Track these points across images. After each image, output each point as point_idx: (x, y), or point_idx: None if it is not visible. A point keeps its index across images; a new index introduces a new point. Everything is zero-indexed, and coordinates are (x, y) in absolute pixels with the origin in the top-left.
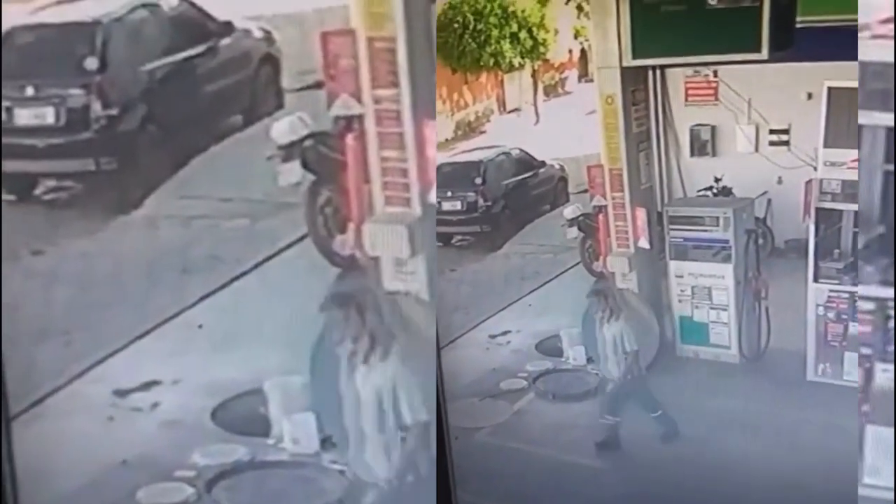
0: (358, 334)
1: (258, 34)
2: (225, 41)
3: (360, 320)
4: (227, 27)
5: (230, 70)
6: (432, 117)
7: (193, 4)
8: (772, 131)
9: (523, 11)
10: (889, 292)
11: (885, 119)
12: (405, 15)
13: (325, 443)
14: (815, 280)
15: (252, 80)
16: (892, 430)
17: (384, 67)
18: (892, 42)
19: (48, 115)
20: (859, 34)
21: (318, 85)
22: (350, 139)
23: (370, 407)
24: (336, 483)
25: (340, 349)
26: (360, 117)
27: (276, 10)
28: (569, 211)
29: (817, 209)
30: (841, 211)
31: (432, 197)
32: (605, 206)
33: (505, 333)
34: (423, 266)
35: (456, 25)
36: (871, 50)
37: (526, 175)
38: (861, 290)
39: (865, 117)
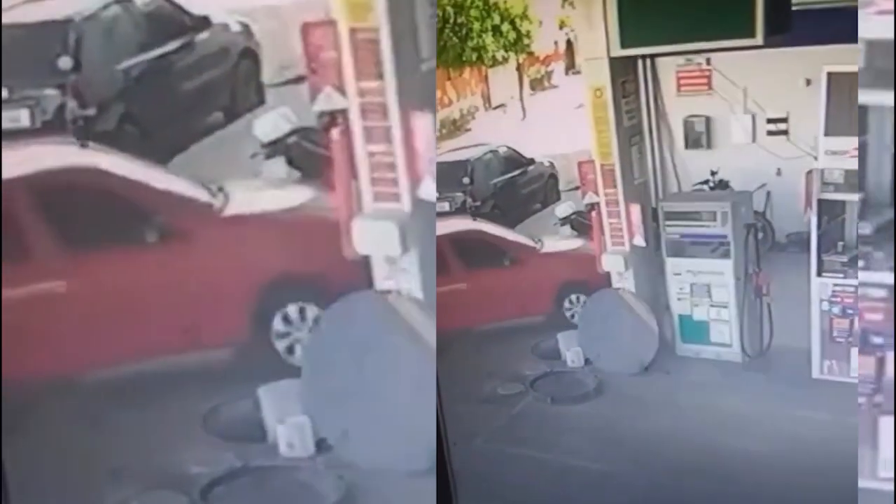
0: None
1: (236, 27)
2: (202, 36)
3: None
4: (204, 21)
5: (208, 66)
6: (421, 109)
7: None
8: (769, 120)
9: (505, 2)
10: None
11: (887, 98)
12: (388, 4)
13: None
14: (819, 274)
15: (231, 75)
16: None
17: (368, 59)
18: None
19: (23, 118)
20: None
21: (299, 79)
22: (335, 134)
23: None
24: (333, 486)
25: None
26: (345, 111)
27: (254, 1)
28: (560, 209)
29: (819, 201)
30: (844, 202)
31: (422, 192)
32: (598, 204)
33: None
34: (417, 263)
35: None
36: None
37: (514, 173)
38: (870, 276)
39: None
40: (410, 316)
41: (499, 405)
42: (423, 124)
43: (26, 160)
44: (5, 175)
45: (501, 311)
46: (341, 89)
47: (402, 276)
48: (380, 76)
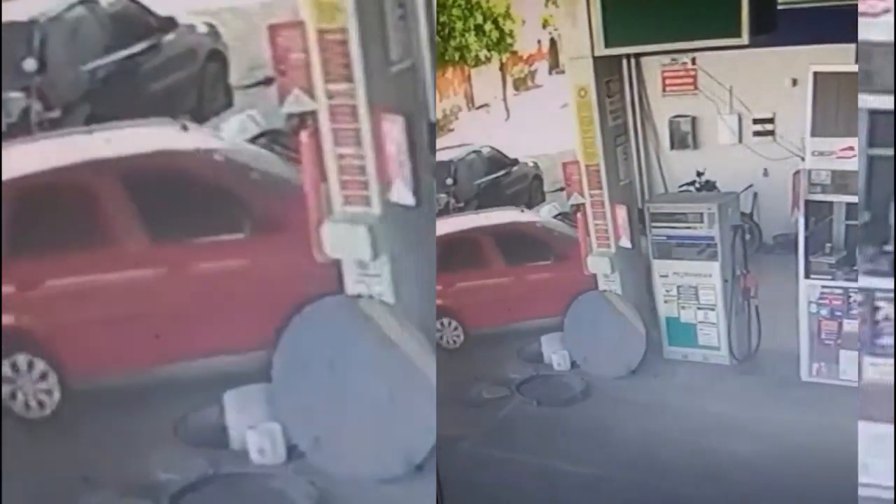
0: None
1: (203, 29)
2: (168, 37)
3: None
4: (170, 23)
5: (175, 67)
6: (390, 111)
7: (133, 0)
8: (755, 121)
9: (488, 1)
10: (876, 282)
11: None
12: (356, 5)
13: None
14: (807, 276)
15: (198, 77)
16: (893, 426)
17: (337, 61)
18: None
19: None
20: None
21: (268, 81)
22: (304, 137)
23: None
24: (305, 493)
25: None
26: (314, 113)
27: (221, 2)
28: (545, 210)
29: (806, 202)
30: (831, 203)
31: (394, 195)
32: (583, 205)
33: None
34: (388, 268)
35: None
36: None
37: (498, 174)
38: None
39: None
40: (384, 321)
41: (485, 409)
42: (396, 127)
43: (118, 141)
44: (96, 155)
45: (544, 306)
46: (310, 91)
47: (373, 280)
48: (349, 78)
